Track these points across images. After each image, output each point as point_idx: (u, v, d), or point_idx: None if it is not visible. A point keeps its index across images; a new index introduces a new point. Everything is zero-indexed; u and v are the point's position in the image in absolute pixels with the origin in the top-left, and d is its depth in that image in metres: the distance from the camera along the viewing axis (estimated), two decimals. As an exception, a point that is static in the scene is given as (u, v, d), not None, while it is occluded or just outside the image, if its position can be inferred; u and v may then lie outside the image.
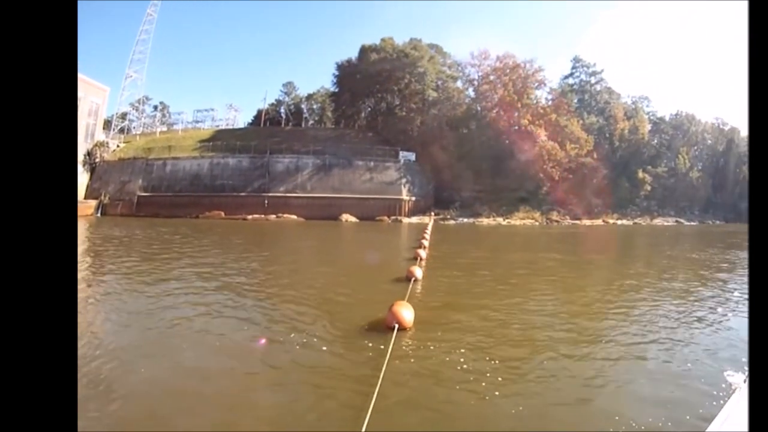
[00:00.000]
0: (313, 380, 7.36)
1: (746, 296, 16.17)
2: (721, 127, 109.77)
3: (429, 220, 55.42)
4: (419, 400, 6.82)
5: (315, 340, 9.25)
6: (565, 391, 7.48)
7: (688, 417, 6.73)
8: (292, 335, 9.48)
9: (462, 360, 8.49)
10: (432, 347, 9.08)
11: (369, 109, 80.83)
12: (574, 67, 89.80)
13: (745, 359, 8.28)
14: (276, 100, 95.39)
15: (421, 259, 20.72)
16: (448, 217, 62.19)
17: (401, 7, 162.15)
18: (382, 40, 77.59)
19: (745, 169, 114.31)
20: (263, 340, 9.22)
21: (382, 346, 8.62)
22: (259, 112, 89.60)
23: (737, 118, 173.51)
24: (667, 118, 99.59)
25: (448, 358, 8.54)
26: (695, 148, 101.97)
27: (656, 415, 6.75)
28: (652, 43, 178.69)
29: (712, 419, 4.29)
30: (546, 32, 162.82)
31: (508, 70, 77.62)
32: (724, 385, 7.52)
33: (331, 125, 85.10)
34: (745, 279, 21.04)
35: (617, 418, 6.47)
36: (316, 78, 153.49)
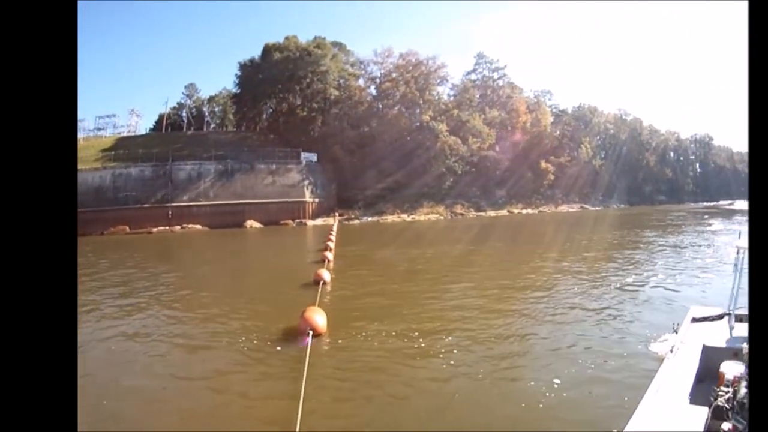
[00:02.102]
0: (239, 389, 8.27)
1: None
2: (623, 117, 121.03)
3: (334, 221, 56.64)
4: (343, 406, 7.76)
5: (232, 352, 10.11)
6: (476, 369, 9.07)
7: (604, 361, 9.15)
8: (211, 351, 10.38)
9: (376, 359, 9.64)
10: (345, 350, 10.18)
11: (271, 110, 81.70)
12: (477, 63, 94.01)
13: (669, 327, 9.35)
14: (178, 103, 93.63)
15: (328, 261, 22.12)
16: (353, 216, 64.04)
17: (308, 5, 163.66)
18: (286, 38, 77.67)
19: (648, 155, 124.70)
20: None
21: (299, 353, 9.34)
22: (161, 116, 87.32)
23: (640, 108, 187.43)
24: (569, 110, 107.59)
25: (362, 360, 9.61)
26: (598, 137, 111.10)
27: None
28: (556, 39, 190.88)
29: (645, 388, 5.78)
30: (451, 29, 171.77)
31: (410, 68, 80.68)
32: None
33: (233, 128, 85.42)
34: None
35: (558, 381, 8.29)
36: (222, 79, 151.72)
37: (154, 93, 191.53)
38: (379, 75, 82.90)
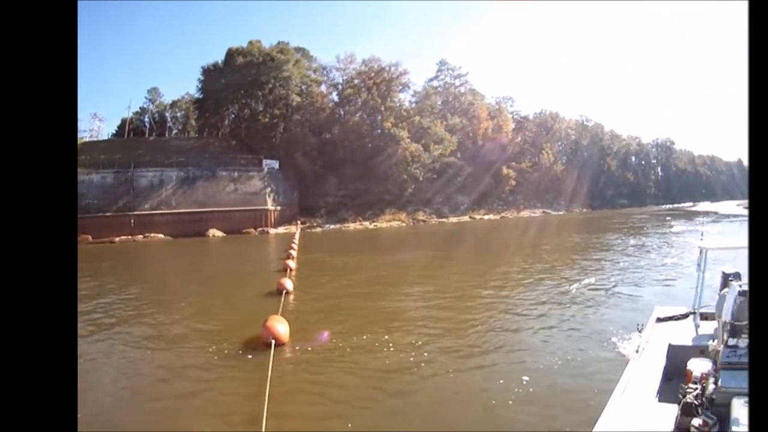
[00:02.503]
0: (198, 403, 8.29)
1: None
2: (585, 123, 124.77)
3: (296, 230, 56.81)
4: (308, 412, 7.90)
5: (193, 365, 10.09)
6: (443, 371, 9.42)
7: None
8: (172, 363, 10.36)
9: (339, 368, 9.80)
10: (308, 359, 10.30)
11: (233, 116, 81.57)
12: (439, 70, 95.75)
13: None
14: (140, 108, 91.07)
15: (290, 270, 22.18)
16: (315, 224, 64.22)
17: (273, 9, 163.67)
18: (250, 43, 77.42)
19: (609, 160, 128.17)
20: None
21: (262, 363, 9.35)
22: (124, 121, 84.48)
23: (602, 114, 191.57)
24: (531, 117, 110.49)
25: (325, 368, 9.75)
26: (559, 143, 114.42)
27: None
28: (518, 45, 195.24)
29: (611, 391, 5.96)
30: (415, 36, 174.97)
31: (373, 74, 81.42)
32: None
33: (195, 134, 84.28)
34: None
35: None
36: (186, 83, 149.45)
37: (118, 96, 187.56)
38: (341, 81, 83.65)
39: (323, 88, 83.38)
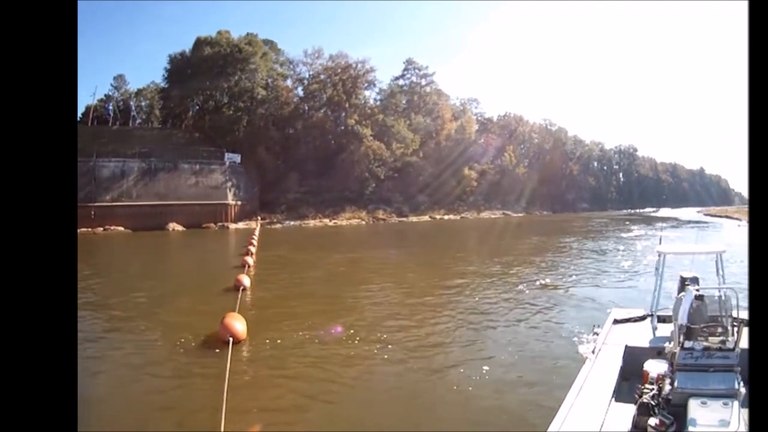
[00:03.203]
0: (156, 399, 8.23)
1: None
2: (548, 127, 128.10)
3: (256, 225, 56.44)
4: (268, 407, 7.93)
5: (149, 362, 10.02)
6: (400, 366, 9.64)
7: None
8: (135, 361, 10.20)
9: (297, 363, 9.88)
10: (266, 356, 10.34)
11: (197, 107, 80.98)
12: (405, 69, 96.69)
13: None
14: (105, 95, 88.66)
15: (249, 267, 22.40)
16: (275, 220, 64.72)
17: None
18: (219, 32, 76.94)
19: (571, 164, 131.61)
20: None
21: (220, 360, 9.27)
22: (88, 108, 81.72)
23: (566, 119, 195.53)
24: (495, 119, 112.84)
25: (283, 365, 9.81)
26: (522, 146, 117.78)
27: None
28: (485, 48, 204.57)
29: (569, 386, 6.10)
30: (382, 35, 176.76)
31: (339, 70, 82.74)
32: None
33: (159, 124, 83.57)
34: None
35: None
36: (152, 72, 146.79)
37: (84, 82, 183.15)
38: (307, 76, 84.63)
39: (289, 82, 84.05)
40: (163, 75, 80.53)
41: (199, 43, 76.12)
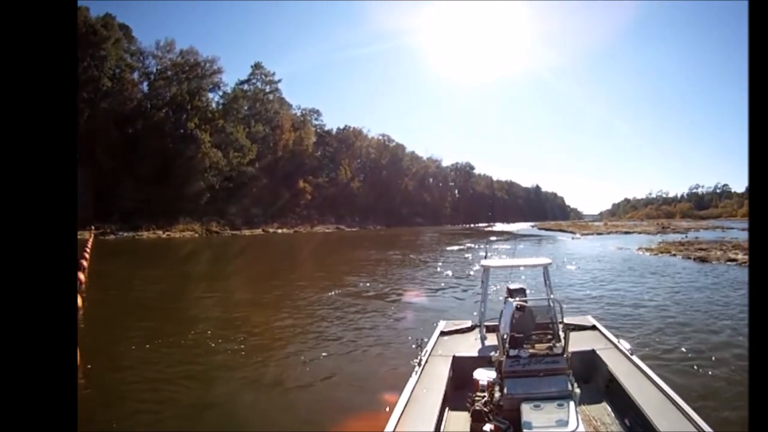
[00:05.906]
0: None
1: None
2: (386, 143, 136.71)
3: (89, 236, 54.04)
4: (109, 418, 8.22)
5: None
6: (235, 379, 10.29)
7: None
8: None
9: (133, 387, 9.96)
10: (100, 381, 10.20)
11: None
12: (252, 74, 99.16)
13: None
14: None
15: (81, 283, 21.62)
16: (109, 231, 64.40)
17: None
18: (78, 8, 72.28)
19: (407, 180, 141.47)
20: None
21: None
22: None
23: (401, 136, 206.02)
24: (334, 132, 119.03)
25: (118, 388, 9.83)
26: (359, 160, 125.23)
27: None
28: (330, 59, 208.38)
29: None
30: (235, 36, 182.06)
31: (188, 68, 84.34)
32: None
33: None
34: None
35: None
36: None
37: None
38: (155, 71, 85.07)
39: (135, 75, 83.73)
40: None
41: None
